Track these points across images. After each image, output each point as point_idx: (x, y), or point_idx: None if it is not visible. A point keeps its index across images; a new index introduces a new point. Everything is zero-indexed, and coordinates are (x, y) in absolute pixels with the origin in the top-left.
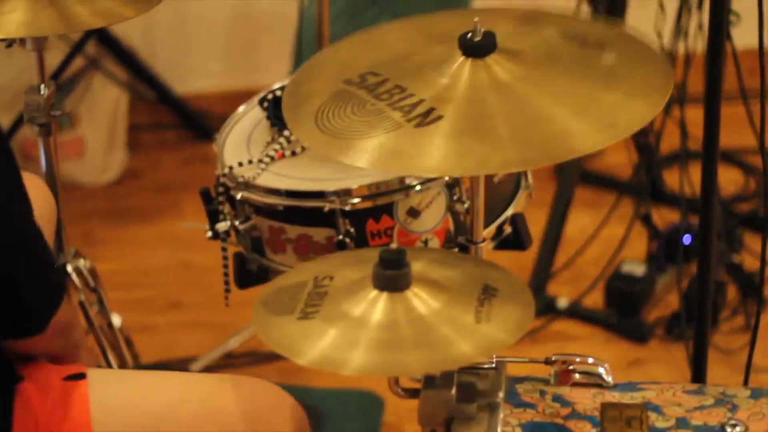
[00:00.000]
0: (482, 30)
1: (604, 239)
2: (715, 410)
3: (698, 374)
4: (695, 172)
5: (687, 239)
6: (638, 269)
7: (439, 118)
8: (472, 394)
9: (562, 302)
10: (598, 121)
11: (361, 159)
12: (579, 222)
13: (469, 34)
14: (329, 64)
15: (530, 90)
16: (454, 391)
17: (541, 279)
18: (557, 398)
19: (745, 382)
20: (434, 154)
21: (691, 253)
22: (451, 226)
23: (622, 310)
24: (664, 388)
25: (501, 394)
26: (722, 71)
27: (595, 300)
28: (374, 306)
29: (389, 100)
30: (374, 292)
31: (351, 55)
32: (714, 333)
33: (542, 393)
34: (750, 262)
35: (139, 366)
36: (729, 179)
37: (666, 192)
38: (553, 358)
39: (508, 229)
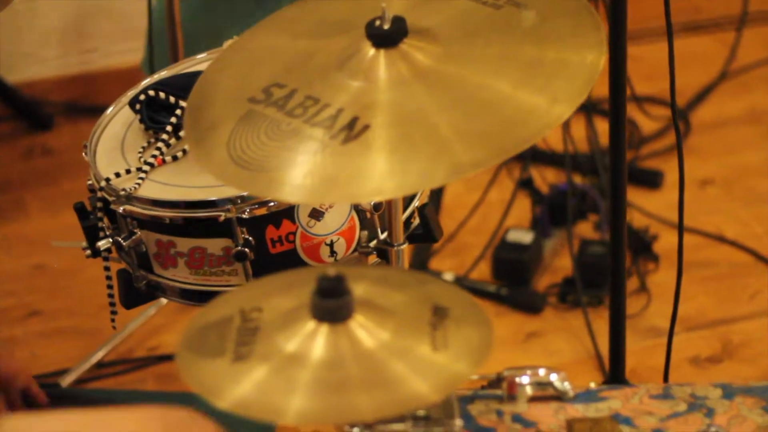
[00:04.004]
0: (390, 15)
1: (483, 207)
2: (691, 417)
3: (615, 349)
4: (576, 129)
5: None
6: (525, 237)
7: (366, 128)
8: (428, 426)
9: (448, 277)
10: (550, 84)
11: (293, 194)
12: (452, 190)
13: (377, 22)
14: (224, 80)
15: (459, 70)
16: (409, 425)
17: (423, 255)
18: (517, 418)
19: (665, 379)
20: (373, 175)
21: (577, 214)
22: (358, 226)
23: (512, 281)
24: (628, 395)
25: (459, 422)
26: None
27: (482, 272)
28: (313, 340)
29: (304, 115)
30: (312, 324)
31: (245, 65)
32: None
33: (499, 413)
34: (638, 219)
35: None
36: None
37: (545, 152)
38: (504, 374)
39: (416, 222)
